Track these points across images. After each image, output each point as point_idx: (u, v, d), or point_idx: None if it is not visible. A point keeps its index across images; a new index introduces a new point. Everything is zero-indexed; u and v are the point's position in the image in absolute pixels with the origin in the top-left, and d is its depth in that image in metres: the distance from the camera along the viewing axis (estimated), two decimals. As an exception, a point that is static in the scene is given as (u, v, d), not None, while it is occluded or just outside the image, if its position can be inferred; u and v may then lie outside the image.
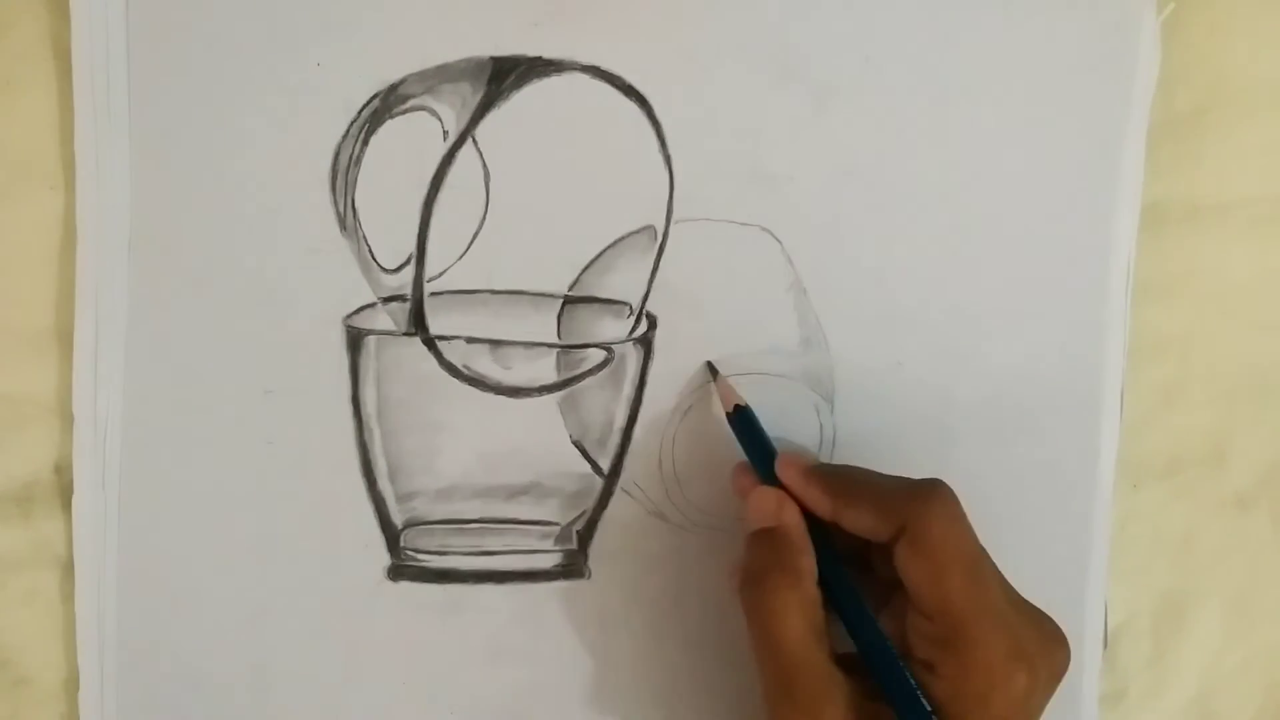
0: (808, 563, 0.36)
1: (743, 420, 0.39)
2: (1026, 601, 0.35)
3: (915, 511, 0.34)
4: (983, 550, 0.35)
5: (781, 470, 0.37)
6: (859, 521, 0.36)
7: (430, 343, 0.40)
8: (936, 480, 0.36)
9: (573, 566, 0.41)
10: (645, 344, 0.41)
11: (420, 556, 0.40)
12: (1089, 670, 0.44)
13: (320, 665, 0.40)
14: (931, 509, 0.35)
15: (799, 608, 0.34)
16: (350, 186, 0.39)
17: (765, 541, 0.36)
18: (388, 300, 0.39)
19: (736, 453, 0.40)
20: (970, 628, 0.34)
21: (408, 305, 0.39)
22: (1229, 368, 0.45)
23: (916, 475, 0.42)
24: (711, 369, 0.41)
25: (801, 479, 0.37)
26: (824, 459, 0.42)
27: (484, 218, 0.40)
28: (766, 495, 0.37)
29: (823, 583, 0.36)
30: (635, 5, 0.40)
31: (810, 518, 0.37)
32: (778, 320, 0.42)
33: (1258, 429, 0.46)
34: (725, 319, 0.41)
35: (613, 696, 0.42)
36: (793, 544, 0.36)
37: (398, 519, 0.40)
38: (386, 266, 0.39)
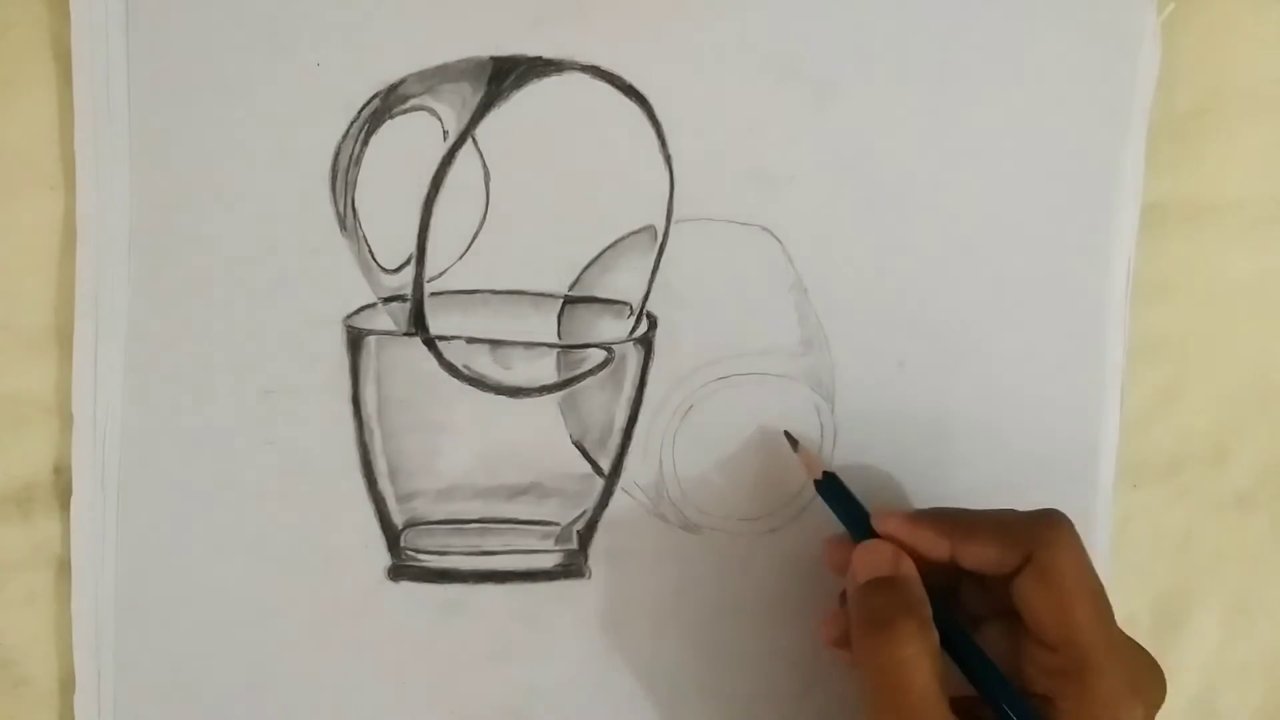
0: (928, 612, 0.35)
1: (832, 487, 0.39)
2: (1131, 637, 0.36)
3: (1042, 541, 0.35)
4: (1101, 582, 0.35)
5: (882, 523, 0.37)
6: (982, 555, 0.35)
7: (430, 343, 0.40)
8: (1057, 511, 0.36)
9: (573, 566, 0.41)
10: (645, 344, 0.41)
11: (420, 556, 0.40)
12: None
13: (320, 665, 0.40)
14: (1059, 539, 0.35)
15: (929, 656, 0.34)
16: (350, 186, 0.39)
17: (885, 590, 0.36)
18: (388, 300, 0.39)
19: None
20: (1095, 660, 0.34)
21: (408, 305, 0.39)
22: (1229, 368, 0.45)
23: (916, 477, 0.42)
24: (791, 439, 0.41)
25: (908, 526, 0.37)
26: (824, 459, 0.42)
27: (484, 218, 0.40)
28: (880, 547, 0.37)
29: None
30: (635, 5, 0.40)
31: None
32: (778, 320, 0.42)
33: (1258, 429, 0.46)
34: (725, 319, 0.41)
35: (613, 696, 0.42)
36: (914, 592, 0.35)
37: (398, 519, 0.40)
38: (387, 266, 0.39)
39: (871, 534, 0.37)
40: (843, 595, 0.38)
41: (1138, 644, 0.36)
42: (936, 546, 0.36)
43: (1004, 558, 0.35)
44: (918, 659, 0.33)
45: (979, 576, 0.36)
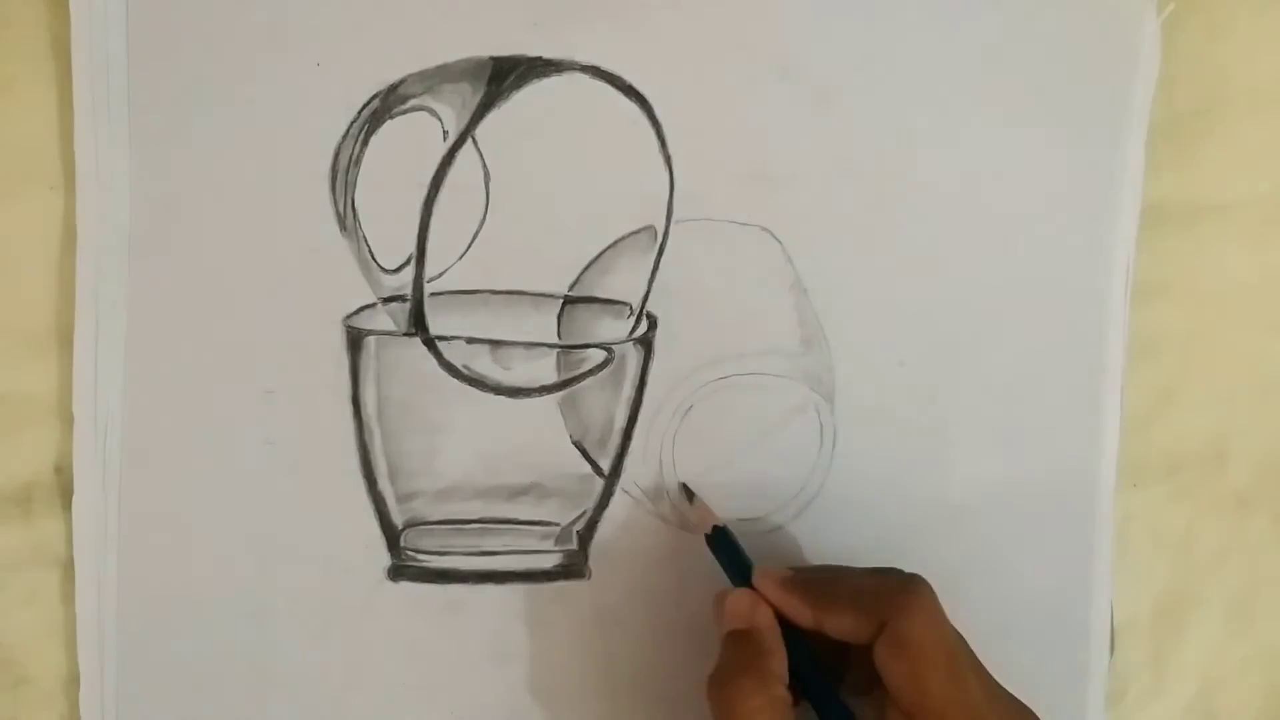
0: (778, 664, 0.36)
1: (720, 539, 0.40)
2: (1006, 694, 0.35)
3: (894, 610, 0.35)
4: (961, 643, 0.35)
5: (759, 581, 0.38)
6: (840, 626, 0.36)
7: (430, 343, 0.40)
8: (914, 577, 0.36)
9: (573, 567, 0.41)
10: (645, 344, 0.41)
11: (420, 557, 0.40)
12: (1095, 673, 0.44)
13: (320, 665, 0.40)
14: (909, 607, 0.35)
15: (767, 709, 0.34)
16: (350, 187, 0.39)
17: (737, 643, 0.37)
18: (388, 300, 0.39)
19: (718, 575, 0.40)
20: None
21: (408, 305, 0.39)
22: (1229, 368, 0.45)
23: (916, 477, 0.42)
24: (687, 491, 0.41)
25: (779, 589, 0.37)
26: (824, 459, 0.42)
27: (484, 218, 0.40)
28: (740, 597, 0.37)
29: (798, 681, 0.36)
30: (635, 5, 0.40)
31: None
32: (778, 320, 0.42)
33: (1258, 429, 0.46)
34: (725, 319, 0.41)
35: (613, 696, 0.42)
36: (763, 646, 0.36)
37: (398, 519, 0.40)
38: (386, 267, 0.39)
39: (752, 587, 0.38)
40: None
41: (1012, 703, 0.35)
42: (801, 614, 0.37)
43: (860, 626, 0.35)
44: (757, 713, 0.34)
45: (860, 651, 0.37)
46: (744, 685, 0.35)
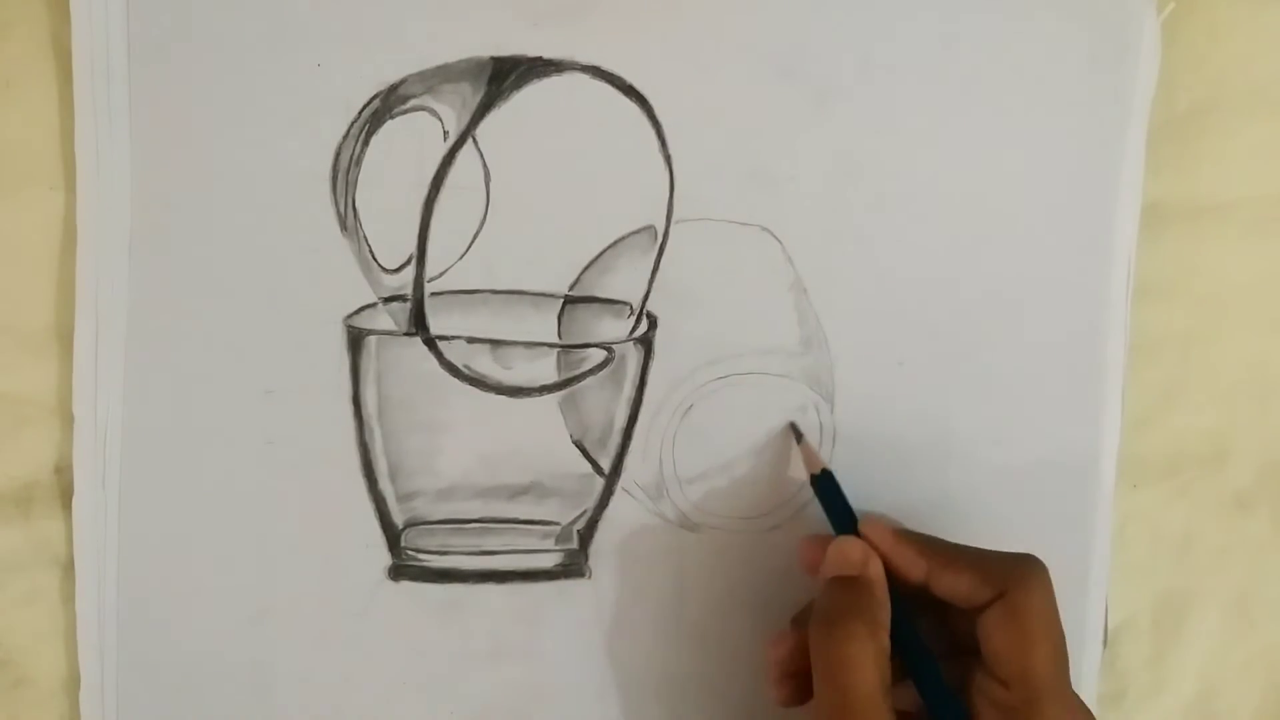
0: (885, 616, 0.36)
1: (826, 484, 0.39)
2: (1078, 696, 0.36)
3: (1016, 581, 0.35)
4: (1064, 635, 0.36)
5: (869, 529, 0.37)
6: (955, 584, 0.36)
7: (431, 343, 0.40)
8: (1035, 557, 0.36)
9: (573, 566, 0.41)
10: (645, 344, 0.41)
11: (421, 556, 0.40)
12: (1088, 670, 0.44)
13: (320, 665, 0.40)
14: (1033, 580, 0.35)
15: (874, 658, 0.34)
16: (351, 187, 0.39)
17: (846, 588, 0.36)
18: (388, 300, 0.39)
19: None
20: (1045, 702, 0.34)
21: (408, 305, 0.39)
22: (1229, 368, 0.45)
23: (916, 477, 0.42)
24: (795, 431, 0.41)
25: (891, 538, 0.37)
26: (823, 459, 0.42)
27: (484, 218, 0.40)
28: (853, 545, 0.37)
29: (894, 640, 0.35)
30: (635, 5, 0.40)
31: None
32: (778, 320, 0.42)
33: (1258, 429, 0.46)
34: (725, 319, 0.41)
35: (613, 696, 0.42)
36: (875, 595, 0.36)
37: (398, 519, 0.40)
38: (387, 266, 0.39)
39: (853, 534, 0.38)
40: (797, 617, 0.39)
41: (1083, 703, 0.36)
42: (914, 566, 0.37)
43: (976, 591, 0.36)
44: (861, 658, 0.34)
45: (941, 613, 0.37)
46: (855, 630, 0.34)
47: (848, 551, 0.37)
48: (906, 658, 0.36)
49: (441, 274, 0.40)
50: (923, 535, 0.38)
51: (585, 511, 0.41)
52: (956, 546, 0.37)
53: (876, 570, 0.36)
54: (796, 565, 0.40)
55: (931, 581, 0.36)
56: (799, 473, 0.41)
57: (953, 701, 0.36)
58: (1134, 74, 0.42)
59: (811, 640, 0.35)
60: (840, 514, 0.39)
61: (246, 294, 0.39)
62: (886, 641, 0.35)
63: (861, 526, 0.38)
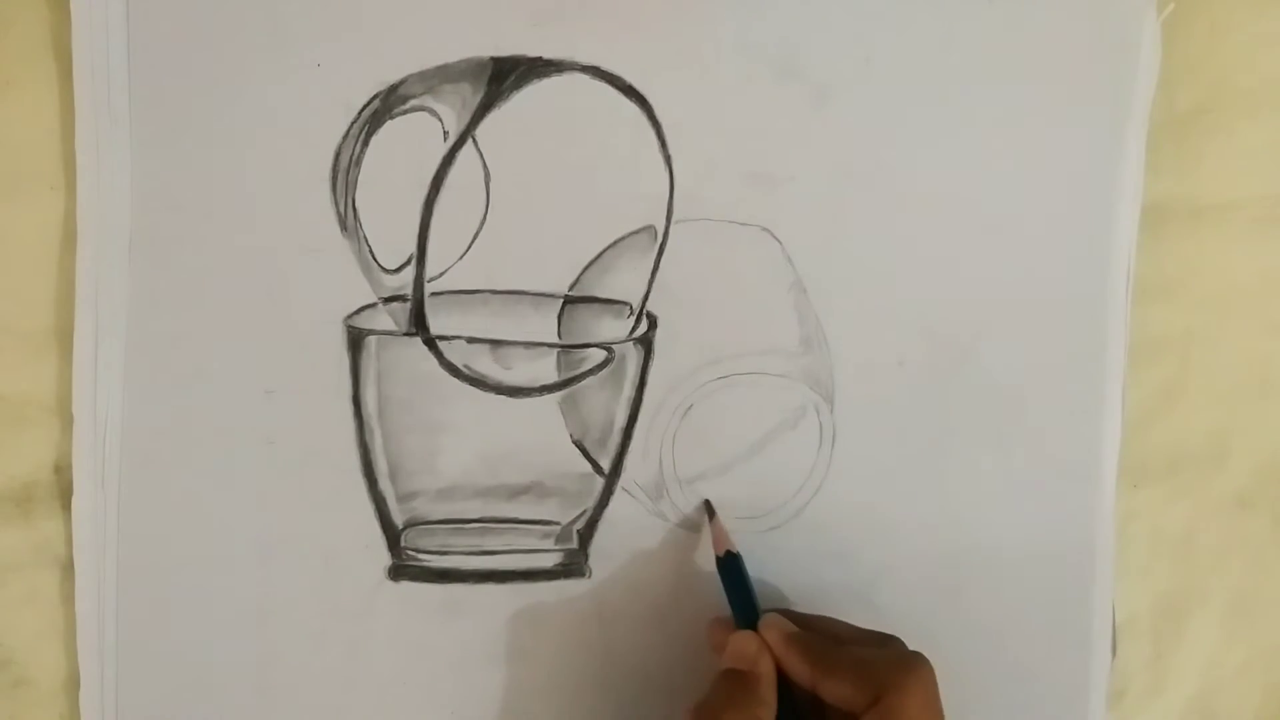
0: (766, 715, 0.36)
1: (732, 567, 0.40)
2: None
3: (892, 685, 0.35)
4: None
5: (766, 630, 0.38)
6: (836, 692, 0.36)
7: (431, 343, 0.40)
8: (917, 655, 0.36)
9: (573, 566, 0.41)
10: (645, 344, 0.41)
11: (421, 556, 0.40)
12: (1096, 673, 0.44)
13: (320, 665, 0.40)
14: (908, 686, 0.35)
15: None
16: (351, 187, 0.39)
17: (734, 682, 0.37)
18: (388, 300, 0.39)
19: (720, 602, 0.40)
20: None
21: (408, 305, 0.39)
22: (1229, 368, 0.45)
23: (916, 477, 0.42)
24: (709, 508, 0.41)
25: (784, 644, 0.37)
26: (823, 459, 0.42)
27: (484, 218, 0.40)
28: (748, 640, 0.38)
29: None
30: (635, 5, 0.40)
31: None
32: (778, 320, 0.42)
33: (1258, 429, 0.46)
34: (725, 319, 0.41)
35: (613, 696, 0.42)
36: (759, 693, 0.36)
37: (398, 519, 0.40)
38: (387, 267, 0.39)
39: (749, 624, 0.38)
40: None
41: None
42: (800, 673, 0.37)
43: (856, 696, 0.35)
44: None
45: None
46: None
47: (742, 646, 0.38)
48: None
49: (441, 274, 0.40)
50: (814, 638, 0.38)
51: (585, 511, 0.41)
52: (840, 652, 0.37)
53: (767, 668, 0.37)
54: (811, 574, 0.40)
55: (816, 687, 0.36)
56: (797, 476, 0.41)
57: None
58: (1134, 74, 0.42)
59: None
60: (742, 602, 0.39)
61: (246, 294, 0.39)
62: None
63: (762, 626, 0.38)
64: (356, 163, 0.39)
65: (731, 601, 0.39)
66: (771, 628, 0.38)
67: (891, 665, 0.36)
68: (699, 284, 0.41)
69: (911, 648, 0.37)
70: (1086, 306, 0.43)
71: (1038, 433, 0.43)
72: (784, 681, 0.37)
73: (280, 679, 0.40)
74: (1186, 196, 0.44)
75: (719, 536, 0.40)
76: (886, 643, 0.38)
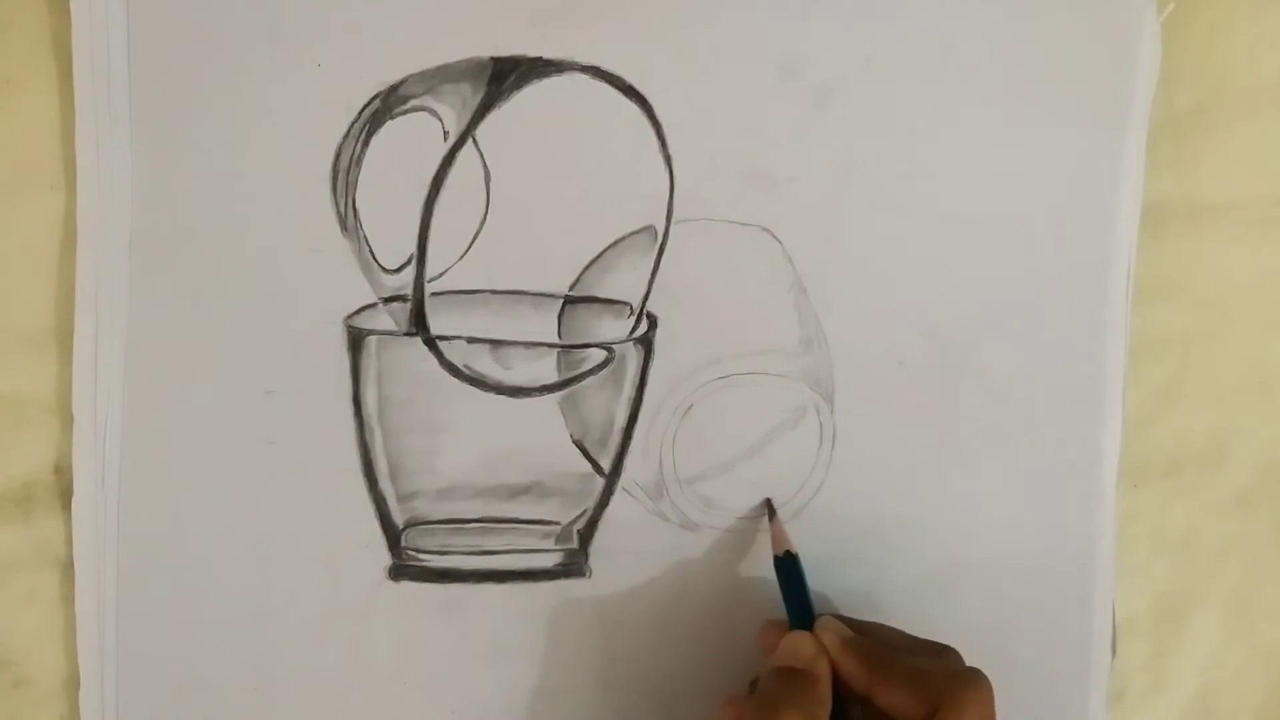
0: (823, 713, 0.36)
1: (790, 567, 0.40)
2: None
3: (950, 700, 0.35)
4: None
5: (822, 632, 0.38)
6: (891, 700, 0.36)
7: (431, 343, 0.40)
8: (977, 672, 0.36)
9: (573, 566, 0.41)
10: (646, 344, 0.41)
11: (421, 556, 0.40)
12: (1096, 673, 0.44)
13: (320, 665, 0.40)
14: (967, 702, 0.35)
15: None
16: (351, 187, 0.39)
17: (791, 679, 0.36)
18: (388, 300, 0.39)
19: (775, 601, 0.40)
20: None
21: (408, 305, 0.39)
22: (1229, 368, 0.45)
23: (916, 477, 0.42)
24: (770, 507, 0.41)
25: (840, 646, 0.37)
26: (823, 459, 0.42)
27: (484, 218, 0.40)
28: (806, 641, 0.37)
29: None
30: (635, 5, 0.40)
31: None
32: (778, 320, 0.42)
33: (1258, 429, 0.46)
34: (725, 319, 0.41)
35: (613, 696, 0.42)
36: (816, 691, 0.36)
37: (398, 519, 0.40)
38: (387, 267, 0.39)
39: (804, 625, 0.38)
40: (753, 683, 0.39)
41: None
42: (856, 677, 0.37)
43: (911, 707, 0.35)
44: None
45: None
46: (792, 718, 0.35)
47: (800, 647, 0.37)
48: None
49: (442, 274, 0.40)
50: (869, 641, 0.38)
51: (585, 511, 0.41)
52: (898, 660, 0.37)
53: (823, 668, 0.37)
54: (818, 573, 0.40)
55: (872, 694, 0.36)
56: (797, 477, 0.41)
57: None
58: (1134, 74, 0.42)
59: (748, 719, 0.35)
60: (799, 602, 0.39)
61: (246, 294, 0.39)
62: None
63: (818, 627, 0.38)
64: (356, 163, 0.39)
65: (788, 602, 0.39)
66: (828, 630, 0.38)
67: (951, 679, 0.36)
68: (699, 284, 0.41)
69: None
70: (1086, 306, 0.43)
71: (1038, 433, 0.43)
72: (835, 686, 0.37)
73: (280, 679, 0.40)
74: (1186, 196, 0.44)
75: (778, 536, 0.40)
76: (943, 654, 0.37)
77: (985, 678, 0.36)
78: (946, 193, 0.42)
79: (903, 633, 0.39)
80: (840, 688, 0.37)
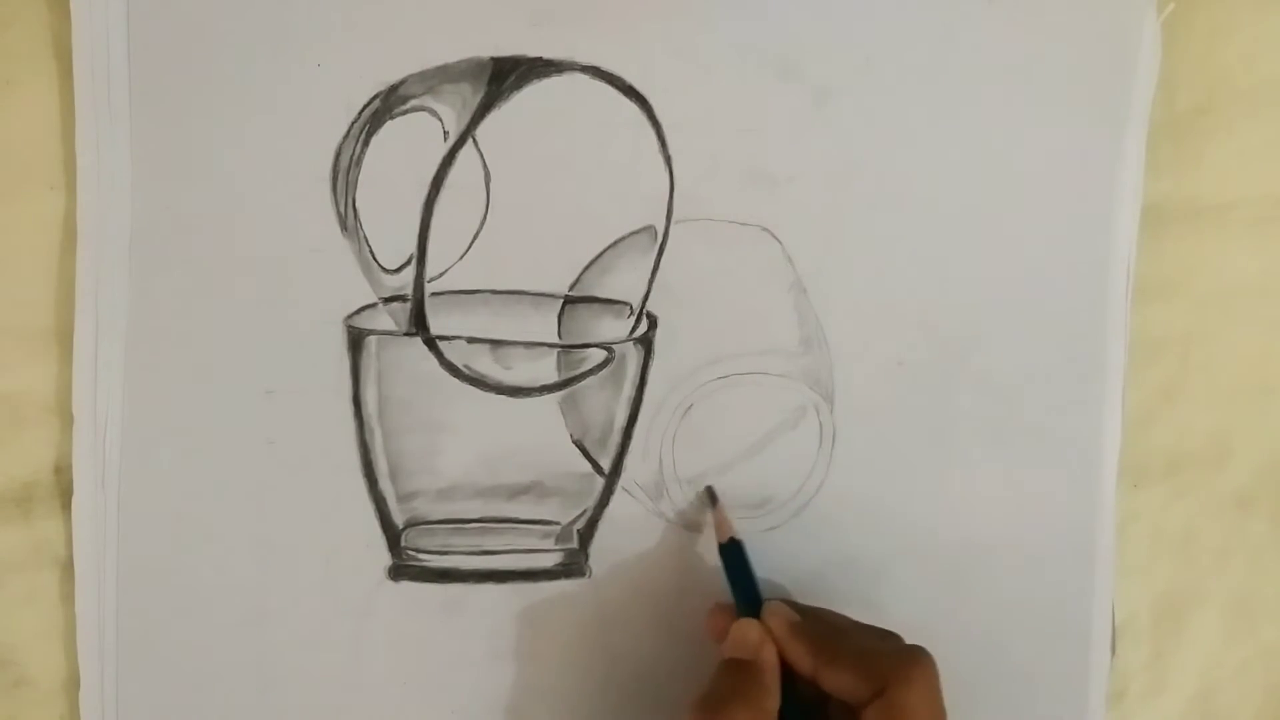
0: (771, 704, 0.36)
1: (735, 554, 0.40)
2: None
3: (896, 679, 0.35)
4: None
5: (769, 618, 0.38)
6: (838, 682, 0.36)
7: (431, 343, 0.40)
8: (919, 649, 0.36)
9: (573, 566, 0.41)
10: (646, 344, 0.41)
11: (421, 556, 0.40)
12: (1096, 673, 0.44)
13: (321, 665, 0.40)
14: (912, 680, 0.35)
15: None
16: (351, 187, 0.39)
17: (737, 671, 0.37)
18: (389, 300, 0.39)
19: (721, 589, 0.40)
20: None
21: (408, 305, 0.39)
22: (1229, 368, 0.45)
23: (916, 477, 0.42)
24: (711, 495, 0.41)
25: (787, 630, 0.37)
26: (823, 459, 0.42)
27: (484, 218, 0.40)
28: (751, 627, 0.37)
29: None
30: (635, 5, 0.40)
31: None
32: (778, 320, 0.42)
33: (1258, 429, 0.46)
34: (725, 319, 0.41)
35: (613, 696, 0.42)
36: (764, 682, 0.36)
37: (399, 519, 0.40)
38: (387, 267, 0.39)
39: (752, 612, 0.38)
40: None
41: None
42: (802, 661, 0.37)
43: (858, 687, 0.35)
44: None
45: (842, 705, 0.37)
46: (737, 715, 0.35)
47: (745, 634, 0.37)
48: None
49: (442, 274, 0.40)
50: (816, 625, 0.38)
51: (585, 511, 0.41)
52: (844, 642, 0.37)
53: (770, 656, 0.37)
54: (810, 575, 0.40)
55: (818, 676, 0.36)
56: (798, 476, 0.41)
57: None
58: (1134, 74, 0.42)
59: (695, 718, 0.35)
60: (745, 589, 0.39)
61: (246, 294, 0.39)
62: None
63: (765, 614, 0.38)
64: (356, 163, 0.39)
65: (734, 589, 0.39)
66: (775, 615, 0.38)
67: (896, 658, 0.36)
68: (699, 284, 0.41)
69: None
70: (1086, 306, 0.43)
71: (1038, 433, 0.43)
72: (785, 672, 0.37)
73: (280, 679, 0.40)
74: (1186, 196, 0.44)
75: (721, 523, 0.40)
76: (887, 637, 0.37)
77: (930, 656, 0.36)
78: (946, 193, 0.42)
79: (848, 618, 0.39)
80: (789, 672, 0.37)
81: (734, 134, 0.41)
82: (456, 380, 0.40)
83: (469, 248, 0.40)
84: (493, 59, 0.39)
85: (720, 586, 0.41)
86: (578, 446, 0.41)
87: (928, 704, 0.35)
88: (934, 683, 0.35)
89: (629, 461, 0.41)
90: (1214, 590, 0.46)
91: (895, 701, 0.34)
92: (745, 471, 0.42)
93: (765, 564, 0.41)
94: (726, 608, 0.39)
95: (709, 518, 0.41)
